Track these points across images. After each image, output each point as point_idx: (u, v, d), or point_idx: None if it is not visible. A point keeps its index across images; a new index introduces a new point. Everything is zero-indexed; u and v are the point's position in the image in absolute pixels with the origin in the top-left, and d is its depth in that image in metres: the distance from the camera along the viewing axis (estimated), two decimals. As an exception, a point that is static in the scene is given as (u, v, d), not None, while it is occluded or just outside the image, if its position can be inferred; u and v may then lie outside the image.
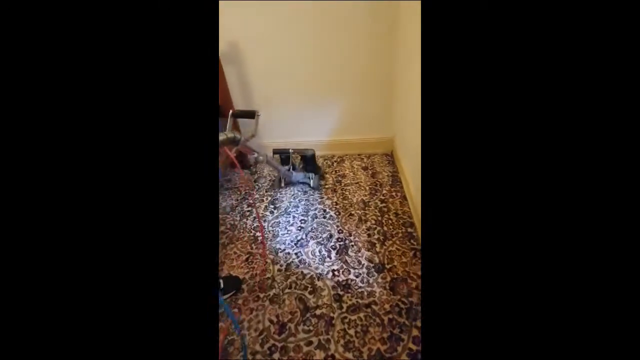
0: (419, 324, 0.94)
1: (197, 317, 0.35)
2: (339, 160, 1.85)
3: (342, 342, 0.92)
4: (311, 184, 1.58)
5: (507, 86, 0.33)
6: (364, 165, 1.77)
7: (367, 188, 1.57)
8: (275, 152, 1.62)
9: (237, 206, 1.54)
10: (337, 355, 0.88)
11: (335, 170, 1.75)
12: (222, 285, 1.07)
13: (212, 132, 0.39)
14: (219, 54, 1.47)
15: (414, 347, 0.88)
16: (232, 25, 1.48)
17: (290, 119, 1.81)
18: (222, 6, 1.35)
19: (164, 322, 0.34)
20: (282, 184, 1.64)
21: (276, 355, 0.90)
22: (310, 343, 0.92)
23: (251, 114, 1.13)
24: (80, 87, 0.32)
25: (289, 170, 1.57)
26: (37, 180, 0.32)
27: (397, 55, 1.51)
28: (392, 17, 1.42)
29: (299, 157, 1.62)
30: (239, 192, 1.65)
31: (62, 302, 0.32)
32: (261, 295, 1.08)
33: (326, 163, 1.83)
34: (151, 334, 0.34)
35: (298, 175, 1.57)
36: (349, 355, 0.88)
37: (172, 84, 0.35)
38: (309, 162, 1.59)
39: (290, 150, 1.57)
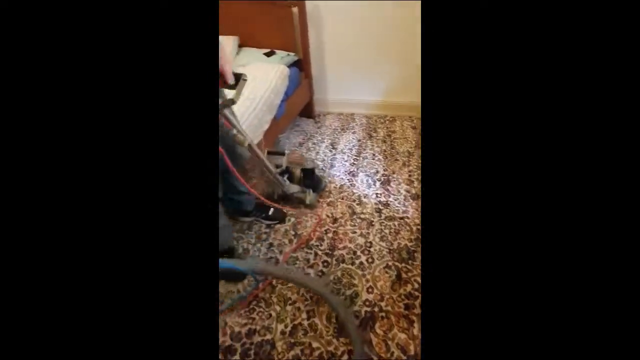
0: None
1: (197, 314, 0.34)
2: (390, 119, 2.10)
3: (379, 235, 1.24)
4: (307, 201, 1.31)
5: (505, 81, 0.34)
6: (413, 125, 2.01)
7: (413, 142, 1.83)
8: (269, 152, 1.33)
9: (303, 144, 1.90)
10: (374, 243, 1.21)
11: (387, 127, 2.01)
12: (270, 212, 1.31)
13: (211, 120, 0.38)
14: (306, 14, 1.77)
15: (433, 247, 1.17)
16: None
17: (351, 79, 2.09)
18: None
19: (164, 317, 0.33)
20: (275, 196, 1.35)
21: (330, 235, 1.25)
22: (354, 232, 1.26)
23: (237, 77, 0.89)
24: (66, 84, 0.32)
25: (283, 179, 1.23)
26: (34, 175, 0.31)
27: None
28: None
29: (299, 170, 1.33)
30: (305, 134, 2.00)
31: (59, 291, 0.31)
32: (320, 200, 1.43)
33: (379, 120, 2.09)
34: (150, 330, 0.33)
35: (293, 187, 1.26)
36: (383, 244, 1.20)
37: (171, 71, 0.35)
38: (308, 176, 1.36)
39: (285, 151, 1.32)
